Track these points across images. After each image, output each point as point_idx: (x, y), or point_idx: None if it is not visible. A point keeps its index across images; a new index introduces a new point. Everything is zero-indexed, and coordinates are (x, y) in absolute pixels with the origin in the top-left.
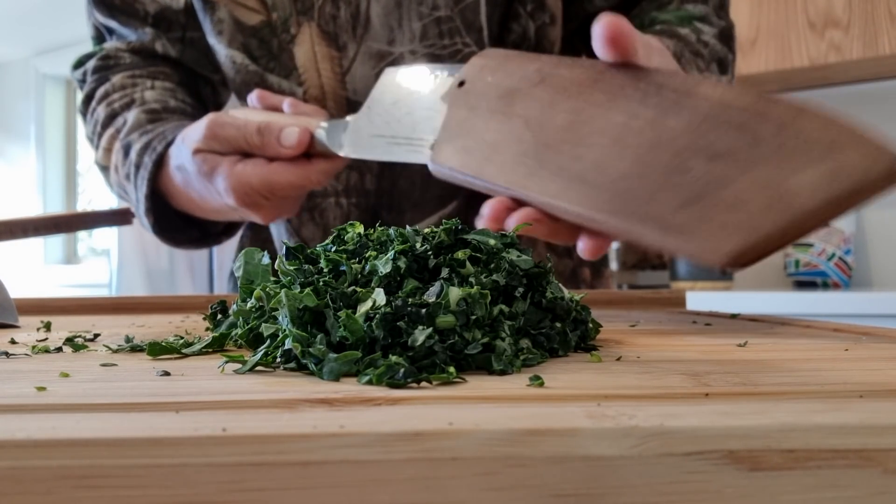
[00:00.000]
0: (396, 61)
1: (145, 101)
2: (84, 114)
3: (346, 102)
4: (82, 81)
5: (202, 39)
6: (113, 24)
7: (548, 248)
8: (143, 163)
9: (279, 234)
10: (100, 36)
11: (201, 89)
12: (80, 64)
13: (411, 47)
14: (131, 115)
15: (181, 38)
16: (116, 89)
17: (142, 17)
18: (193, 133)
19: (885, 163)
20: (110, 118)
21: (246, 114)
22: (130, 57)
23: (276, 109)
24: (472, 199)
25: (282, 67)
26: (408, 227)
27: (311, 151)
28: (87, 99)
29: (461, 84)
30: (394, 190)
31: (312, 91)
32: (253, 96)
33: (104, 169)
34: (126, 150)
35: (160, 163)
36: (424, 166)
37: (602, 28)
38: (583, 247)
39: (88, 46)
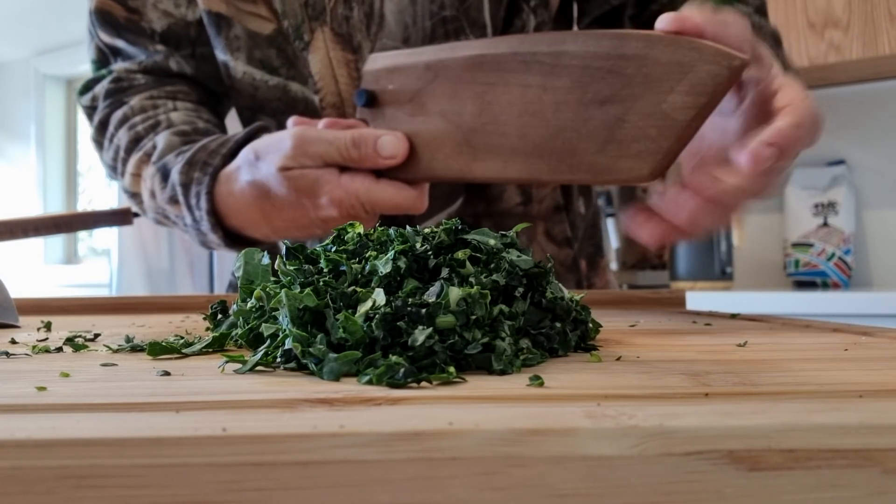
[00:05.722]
0: None
1: (173, 123)
2: (100, 141)
3: None
4: (91, 108)
5: (213, 54)
6: (120, 43)
7: (547, 238)
8: (195, 179)
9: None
10: (103, 59)
11: (217, 106)
12: (87, 89)
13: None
14: (161, 138)
15: (192, 54)
16: (136, 112)
17: (149, 34)
18: (275, 148)
19: (727, 65)
20: (134, 142)
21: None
22: (144, 77)
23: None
24: (473, 195)
25: (298, 75)
26: (408, 227)
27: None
28: (102, 125)
29: (372, 101)
30: None
31: (329, 98)
32: (291, 122)
33: (133, 196)
34: (164, 174)
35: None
36: None
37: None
38: None
39: (88, 46)
